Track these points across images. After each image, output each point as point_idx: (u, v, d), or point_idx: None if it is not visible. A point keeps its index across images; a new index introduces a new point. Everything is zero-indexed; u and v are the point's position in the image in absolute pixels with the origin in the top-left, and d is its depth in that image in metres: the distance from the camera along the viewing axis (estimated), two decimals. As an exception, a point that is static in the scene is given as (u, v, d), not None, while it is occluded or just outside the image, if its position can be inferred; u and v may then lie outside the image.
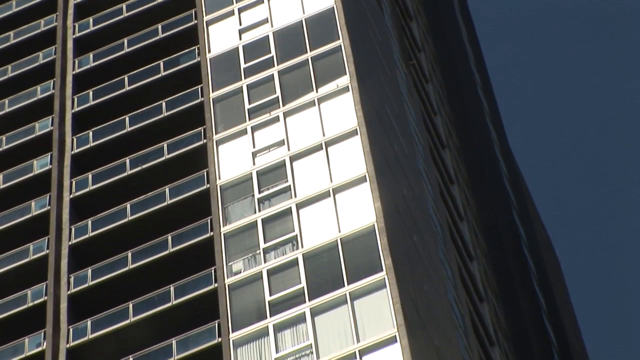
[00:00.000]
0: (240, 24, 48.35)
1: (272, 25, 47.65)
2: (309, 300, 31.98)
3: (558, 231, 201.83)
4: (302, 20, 47.56)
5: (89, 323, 36.80)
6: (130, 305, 36.17)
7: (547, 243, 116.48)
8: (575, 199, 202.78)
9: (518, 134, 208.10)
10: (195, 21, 49.69)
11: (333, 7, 47.22)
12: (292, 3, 48.82)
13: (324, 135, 40.57)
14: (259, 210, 37.53)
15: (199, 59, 47.37)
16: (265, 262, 34.79)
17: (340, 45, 44.64)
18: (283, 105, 42.77)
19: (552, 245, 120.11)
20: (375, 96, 48.35)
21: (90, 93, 48.28)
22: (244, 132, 42.11)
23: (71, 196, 43.13)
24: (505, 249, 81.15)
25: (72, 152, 45.65)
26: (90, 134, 45.79)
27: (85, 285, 38.53)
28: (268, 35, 47.11)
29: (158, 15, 51.19)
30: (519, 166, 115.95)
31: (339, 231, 34.79)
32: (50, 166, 45.17)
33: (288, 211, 36.85)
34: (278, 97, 43.19)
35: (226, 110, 44.13)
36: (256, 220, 36.96)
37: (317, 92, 43.07)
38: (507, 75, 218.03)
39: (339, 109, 42.08)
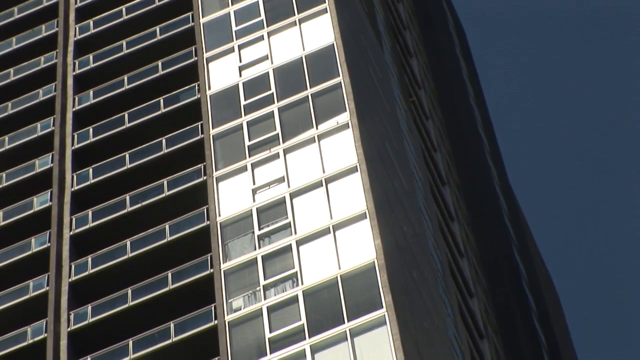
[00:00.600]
0: (241, 61, 48.49)
1: (272, 62, 47.77)
2: (309, 337, 31.82)
3: (558, 267, 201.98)
4: (302, 57, 47.71)
5: (89, 360, 36.78)
6: (130, 343, 36.00)
7: (547, 279, 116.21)
8: (575, 234, 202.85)
9: (518, 170, 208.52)
10: (196, 58, 49.86)
11: (333, 44, 47.37)
12: (292, 40, 49.00)
13: (324, 172, 40.53)
14: (259, 247, 37.45)
15: (199, 96, 47.43)
16: (265, 299, 34.65)
17: (340, 82, 44.71)
18: (283, 142, 42.75)
19: (552, 281, 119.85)
20: (375, 133, 48.40)
21: (91, 130, 48.34)
22: (244, 169, 42.07)
23: (71, 233, 43.07)
24: (505, 286, 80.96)
25: (72, 189, 45.63)
26: (90, 170, 45.79)
27: (86, 322, 38.37)
28: (268, 72, 47.22)
29: (158, 52, 51.40)
30: (518, 202, 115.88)
31: (339, 268, 34.67)
32: (51, 203, 45.16)
33: (288, 248, 36.75)
34: (278, 134, 43.19)
35: (226, 147, 44.14)
36: (256, 257, 36.86)
37: (317, 128, 43.08)
38: (507, 112, 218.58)
39: (339, 146, 42.06)
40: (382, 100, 56.09)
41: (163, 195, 43.01)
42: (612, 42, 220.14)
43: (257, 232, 38.15)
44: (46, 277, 41.23)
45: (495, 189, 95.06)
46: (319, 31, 48.98)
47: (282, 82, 46.53)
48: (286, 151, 42.24)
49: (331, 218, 37.52)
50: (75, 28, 56.30)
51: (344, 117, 42.97)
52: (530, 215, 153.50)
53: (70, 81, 52.54)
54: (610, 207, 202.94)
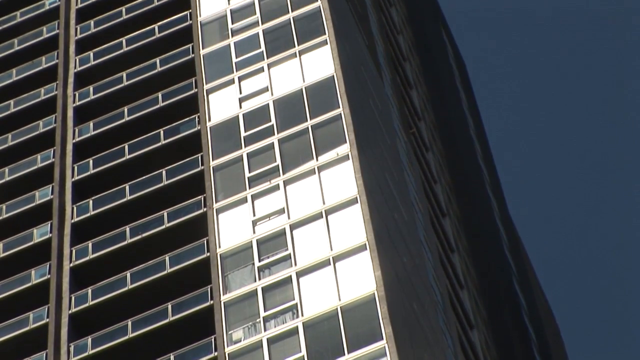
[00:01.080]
0: (241, 92, 48.54)
1: (272, 94, 47.83)
2: (310, 368, 31.85)
3: (558, 298, 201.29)
4: (302, 89, 47.79)
5: (88, 392, 36.75)
6: (130, 377, 36.07)
7: (547, 310, 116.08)
8: (575, 264, 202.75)
9: (518, 201, 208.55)
10: (196, 90, 49.82)
11: (333, 76, 47.46)
12: (292, 71, 49.08)
13: (324, 203, 40.51)
14: (259, 279, 37.36)
15: (199, 128, 47.41)
16: (265, 330, 34.54)
17: (341, 114, 44.76)
18: (283, 173, 42.74)
19: (552, 312, 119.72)
20: (376, 164, 48.45)
21: (91, 161, 48.30)
22: (244, 200, 42.03)
23: (71, 265, 42.96)
24: (506, 317, 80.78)
25: (72, 221, 45.53)
26: (90, 202, 45.71)
27: (86, 354, 38.19)
28: (268, 104, 47.27)
29: (158, 84, 51.42)
30: (518, 233, 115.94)
31: (339, 299, 34.59)
32: (50, 235, 45.07)
33: (288, 279, 36.67)
34: (278, 165, 43.17)
35: (226, 178, 44.13)
36: (256, 289, 36.76)
37: (317, 160, 43.08)
38: (507, 143, 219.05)
39: (339, 177, 42.06)
40: (382, 131, 56.18)
41: (163, 227, 42.95)
42: (611, 87, 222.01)
43: (257, 264, 38.08)
44: (46, 309, 41.09)
45: (495, 220, 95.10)
46: (319, 63, 49.08)
47: (282, 114, 46.59)
48: (286, 183, 42.22)
49: (331, 249, 37.46)
50: (76, 60, 56.42)
51: (344, 149, 43.00)
52: (530, 246, 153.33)
53: (70, 113, 52.53)
54: (610, 240, 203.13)
